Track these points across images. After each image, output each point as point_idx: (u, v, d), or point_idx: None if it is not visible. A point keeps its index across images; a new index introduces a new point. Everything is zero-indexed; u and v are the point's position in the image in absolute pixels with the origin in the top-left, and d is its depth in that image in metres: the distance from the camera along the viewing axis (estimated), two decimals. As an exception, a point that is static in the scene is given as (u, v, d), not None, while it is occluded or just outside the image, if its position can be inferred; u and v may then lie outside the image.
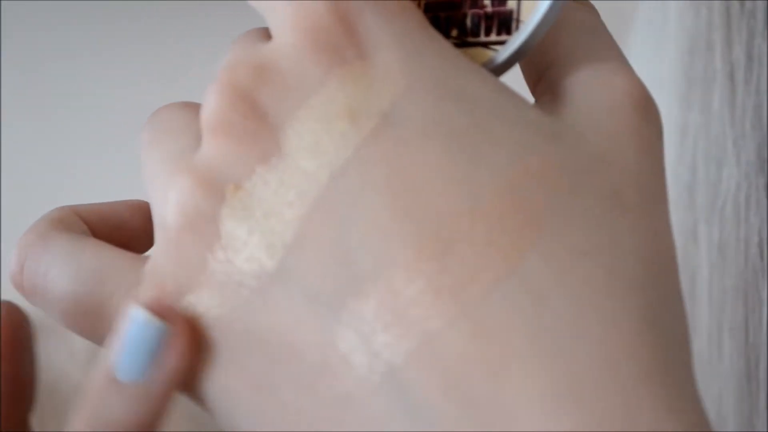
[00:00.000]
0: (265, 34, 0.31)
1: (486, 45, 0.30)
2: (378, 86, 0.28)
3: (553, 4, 0.29)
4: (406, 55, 0.28)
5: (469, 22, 0.30)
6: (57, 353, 1.11)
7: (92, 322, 0.31)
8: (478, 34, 0.30)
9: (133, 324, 0.29)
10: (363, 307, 0.27)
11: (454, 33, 0.30)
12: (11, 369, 0.32)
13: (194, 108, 0.31)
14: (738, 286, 0.40)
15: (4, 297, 0.33)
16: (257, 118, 0.29)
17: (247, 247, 0.28)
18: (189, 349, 0.29)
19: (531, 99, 0.31)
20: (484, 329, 0.26)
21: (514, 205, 0.27)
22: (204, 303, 0.29)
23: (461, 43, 0.30)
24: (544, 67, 0.31)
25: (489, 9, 0.30)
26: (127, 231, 0.34)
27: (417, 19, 0.29)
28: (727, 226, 0.41)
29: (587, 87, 0.29)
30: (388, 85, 0.28)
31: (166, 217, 0.29)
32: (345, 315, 0.27)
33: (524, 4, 0.29)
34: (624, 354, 0.26)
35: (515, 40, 0.29)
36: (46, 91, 1.16)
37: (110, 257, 0.31)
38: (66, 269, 0.31)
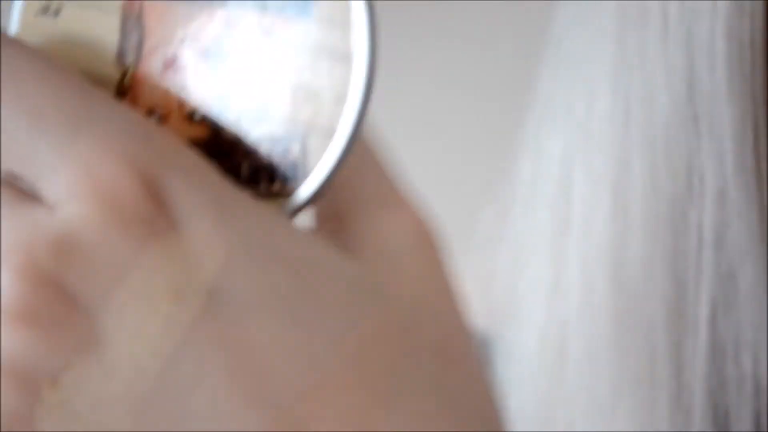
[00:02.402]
0: (28, 198, 0.27)
1: (269, 195, 0.28)
2: (198, 259, 0.26)
3: (349, 145, 0.27)
4: (219, 220, 0.27)
5: (246, 171, 0.28)
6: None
7: None
8: (258, 184, 0.28)
9: None
10: None
11: (236, 181, 0.28)
12: None
13: None
14: (668, 213, 0.41)
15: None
16: (65, 302, 0.26)
17: None
18: None
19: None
20: None
21: (358, 380, 0.27)
22: None
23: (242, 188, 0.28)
24: (331, 209, 0.29)
25: (267, 159, 0.28)
26: None
27: (216, 176, 0.27)
28: (658, 156, 0.41)
29: (380, 230, 0.29)
30: (208, 256, 0.26)
31: None
32: None
33: (311, 152, 0.27)
34: None
35: (308, 189, 0.28)
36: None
37: None
38: None
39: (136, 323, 0.26)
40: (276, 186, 0.28)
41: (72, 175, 0.26)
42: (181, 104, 0.28)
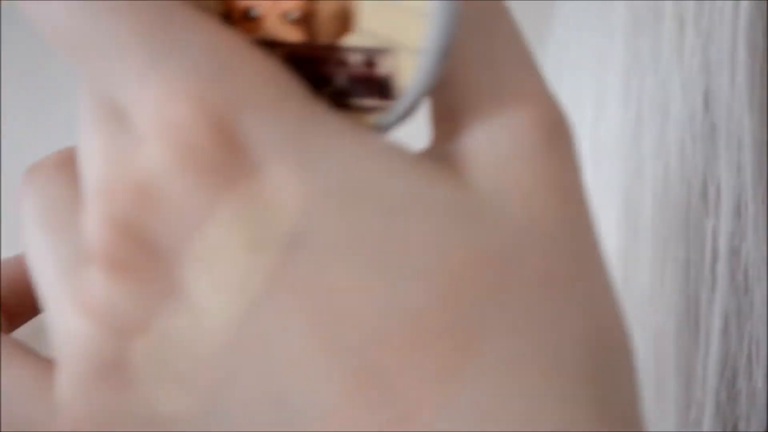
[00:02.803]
0: (123, 126, 0.27)
1: (363, 108, 0.27)
2: (277, 206, 0.25)
3: (438, 61, 0.26)
4: (298, 161, 0.25)
5: (340, 82, 0.27)
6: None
7: None
8: (352, 96, 0.27)
9: None
10: None
11: (328, 92, 0.27)
12: None
13: (71, 173, 0.29)
14: (681, 222, 0.40)
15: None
16: (149, 252, 0.26)
17: (163, 391, 0.26)
18: None
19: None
20: None
21: (444, 323, 0.25)
22: None
23: (337, 103, 0.27)
24: (443, 107, 0.27)
25: (360, 70, 0.27)
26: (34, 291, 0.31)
27: (299, 107, 0.26)
28: (672, 163, 0.40)
29: (493, 133, 0.26)
30: (286, 202, 0.25)
31: (68, 359, 0.27)
32: None
33: (402, 67, 0.26)
34: None
35: (399, 106, 0.26)
36: (46, 91, 1.17)
37: (15, 375, 0.29)
38: None
39: (216, 273, 0.25)
40: (368, 100, 0.27)
41: (149, 114, 0.25)
42: (277, 3, 0.27)
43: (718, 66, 0.39)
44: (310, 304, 0.25)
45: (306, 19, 0.27)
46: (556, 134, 0.27)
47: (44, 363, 0.29)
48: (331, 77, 0.27)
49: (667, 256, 0.40)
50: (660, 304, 0.41)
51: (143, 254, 0.26)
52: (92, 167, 0.26)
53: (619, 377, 0.26)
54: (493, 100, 0.26)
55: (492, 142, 0.26)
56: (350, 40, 0.26)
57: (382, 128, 0.27)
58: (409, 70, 0.26)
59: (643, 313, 0.41)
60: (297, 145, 0.25)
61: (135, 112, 0.26)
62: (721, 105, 0.39)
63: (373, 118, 0.27)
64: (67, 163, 0.29)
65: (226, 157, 0.25)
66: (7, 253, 0.34)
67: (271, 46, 0.27)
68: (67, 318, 0.27)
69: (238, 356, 0.26)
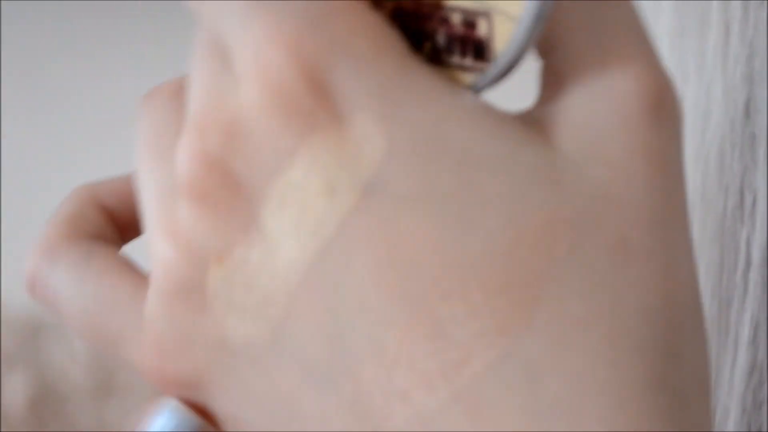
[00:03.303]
0: (226, 65, 0.28)
1: (461, 67, 0.27)
2: (357, 154, 0.26)
3: (532, 29, 0.26)
4: (384, 113, 0.26)
5: (441, 40, 0.27)
6: (57, 353, 1.11)
7: (103, 347, 0.31)
8: (451, 54, 0.27)
9: (165, 421, 0.28)
10: (358, 386, 0.26)
11: (427, 48, 0.28)
12: None
13: (183, 103, 0.30)
14: (717, 229, 0.40)
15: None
16: (231, 187, 0.27)
17: (235, 317, 0.27)
18: None
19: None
20: (478, 413, 0.25)
21: (508, 279, 0.25)
22: (201, 368, 0.28)
23: (434, 59, 0.28)
24: (549, 48, 0.28)
25: (460, 30, 0.27)
26: None
27: (393, 59, 0.26)
28: (710, 170, 0.40)
29: (590, 97, 0.26)
30: (367, 151, 0.26)
31: (156, 279, 0.28)
32: (340, 391, 0.26)
33: (497, 32, 0.27)
34: (624, 428, 0.25)
35: (493, 70, 0.27)
36: (46, 91, 1.16)
37: (113, 287, 0.30)
38: (72, 294, 0.31)
39: (292, 213, 0.26)
40: (464, 60, 0.27)
41: (248, 56, 0.26)
42: None
43: (760, 77, 0.39)
44: (379, 250, 0.26)
45: None
46: (659, 105, 0.26)
47: (142, 280, 0.30)
48: (432, 34, 0.27)
49: (701, 262, 0.40)
50: None
51: (227, 188, 0.27)
52: (194, 101, 0.28)
53: (683, 354, 0.26)
54: (596, 65, 0.26)
55: (589, 108, 0.26)
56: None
57: (475, 89, 0.27)
58: (505, 36, 0.27)
59: None
60: (385, 98, 0.26)
61: (236, 54, 0.27)
62: (762, 115, 0.39)
63: (467, 78, 0.27)
64: (181, 92, 0.30)
65: (314, 103, 0.26)
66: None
67: None
68: (157, 241, 0.28)
69: (306, 293, 0.26)
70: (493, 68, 0.27)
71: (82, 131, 1.14)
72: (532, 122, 0.27)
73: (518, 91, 0.31)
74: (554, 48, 0.27)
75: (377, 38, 0.26)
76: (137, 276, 0.31)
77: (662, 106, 0.26)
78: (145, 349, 0.29)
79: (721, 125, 0.39)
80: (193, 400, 0.29)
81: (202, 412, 0.29)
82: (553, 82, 0.27)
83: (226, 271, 0.27)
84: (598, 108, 0.26)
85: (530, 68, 0.28)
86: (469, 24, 0.27)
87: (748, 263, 0.39)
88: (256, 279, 0.27)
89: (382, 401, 0.26)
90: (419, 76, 0.26)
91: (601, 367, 0.25)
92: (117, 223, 0.33)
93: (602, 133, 0.26)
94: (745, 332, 0.39)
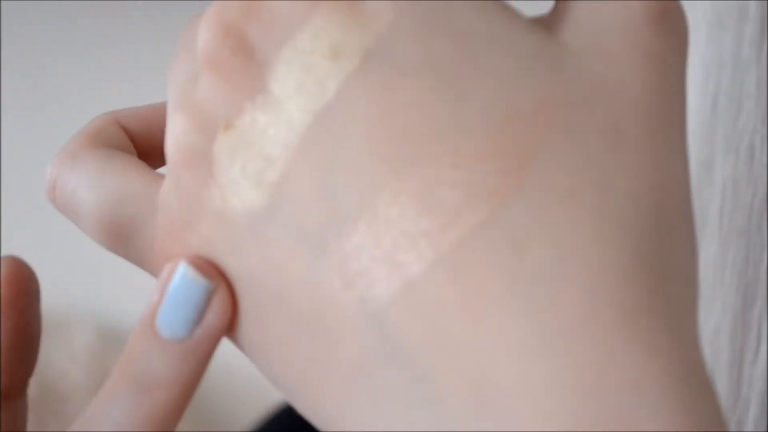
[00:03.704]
0: None
1: None
2: (363, 22, 0.27)
3: None
4: None
5: None
6: (57, 353, 1.11)
7: (116, 241, 0.32)
8: None
9: (179, 280, 0.29)
10: (346, 248, 0.27)
11: None
12: (18, 320, 0.32)
13: None
14: (744, 222, 0.40)
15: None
16: (245, 54, 0.28)
17: (237, 185, 0.28)
18: (231, 308, 0.29)
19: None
20: (461, 277, 0.26)
21: (501, 148, 0.26)
22: (204, 243, 0.29)
23: None
24: None
25: None
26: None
27: None
28: (740, 163, 0.40)
29: (597, 5, 0.28)
30: (375, 20, 0.27)
31: (167, 151, 0.30)
32: (330, 255, 0.27)
33: None
34: (606, 299, 0.25)
35: None
36: (46, 91, 1.16)
37: (130, 180, 0.32)
38: (90, 190, 0.32)
39: (298, 74, 0.27)
40: None
41: None
42: None
43: None
44: (375, 112, 0.27)
45: None
46: (663, 16, 0.27)
47: (159, 177, 0.32)
48: None
49: (728, 254, 0.40)
50: (719, 300, 0.40)
51: (240, 55, 0.28)
52: None
53: (668, 242, 0.26)
54: None
55: (595, 11, 0.28)
56: None
57: None
58: None
59: (704, 308, 0.41)
60: None
61: None
62: None
63: None
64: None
65: None
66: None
67: None
68: (173, 117, 0.29)
69: (305, 154, 0.27)
70: None
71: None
72: (540, 22, 0.28)
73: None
74: None
75: None
76: (154, 175, 0.32)
77: (666, 17, 0.27)
78: (157, 230, 0.30)
79: (750, 118, 0.39)
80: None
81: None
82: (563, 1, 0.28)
83: (232, 137, 0.28)
84: (604, 11, 0.27)
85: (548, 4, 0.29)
86: None
87: None
88: (259, 143, 0.28)
89: (368, 264, 0.26)
90: None
91: (586, 239, 0.25)
92: (138, 147, 0.34)
93: (605, 32, 0.27)
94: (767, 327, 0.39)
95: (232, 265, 0.29)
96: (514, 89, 0.26)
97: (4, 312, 0.32)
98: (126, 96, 1.09)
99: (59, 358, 1.10)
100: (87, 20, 1.15)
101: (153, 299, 0.30)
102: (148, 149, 0.34)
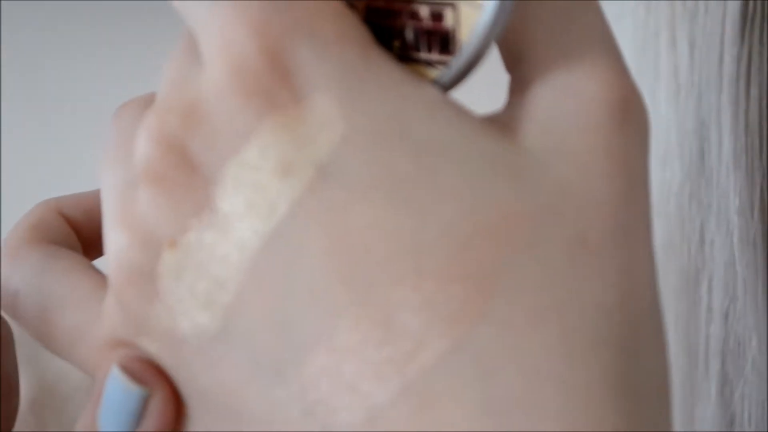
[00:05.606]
0: (195, 53, 0.28)
1: (428, 63, 0.27)
2: (313, 134, 0.25)
3: (495, 17, 0.26)
4: (344, 96, 0.25)
5: (410, 35, 0.27)
6: (57, 353, 1.11)
7: (55, 345, 0.30)
8: (419, 50, 0.27)
9: (111, 386, 0.28)
10: (305, 375, 0.25)
11: (397, 45, 0.27)
12: None
13: None
14: (680, 282, 0.40)
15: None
16: (188, 168, 0.26)
17: (185, 305, 0.27)
18: (171, 413, 0.28)
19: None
20: (428, 407, 0.24)
21: (463, 270, 0.24)
22: (153, 356, 0.28)
23: (403, 56, 0.27)
24: (515, 59, 0.27)
25: (427, 24, 0.27)
26: None
27: (356, 46, 0.26)
28: (671, 223, 0.40)
29: (556, 98, 0.26)
30: (325, 132, 0.25)
31: (110, 270, 0.28)
32: (289, 383, 0.26)
33: (463, 22, 0.26)
34: (583, 427, 0.24)
35: (458, 62, 0.26)
36: (46, 91, 1.16)
37: (74, 284, 0.30)
38: (32, 292, 0.30)
39: (246, 193, 0.26)
40: (432, 55, 0.27)
41: (212, 37, 0.26)
42: None
43: (707, 125, 0.39)
44: (330, 234, 0.25)
45: None
46: (624, 110, 0.26)
47: (103, 280, 0.30)
48: (401, 30, 0.27)
49: (668, 316, 0.40)
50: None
51: (182, 169, 0.26)
52: (159, 92, 0.27)
53: (641, 354, 0.25)
54: (563, 70, 0.26)
55: (554, 108, 0.26)
56: None
57: (442, 83, 0.27)
58: (471, 25, 0.26)
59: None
60: (344, 82, 0.26)
61: (201, 39, 0.26)
62: (711, 166, 0.39)
63: (433, 73, 0.27)
64: (150, 104, 0.29)
65: (274, 82, 0.26)
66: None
67: None
68: (112, 231, 0.28)
69: (257, 278, 0.26)
70: (457, 59, 0.26)
71: (82, 131, 1.14)
72: (496, 121, 0.27)
73: (491, 103, 0.30)
74: (521, 59, 0.27)
75: (342, 24, 0.26)
76: (99, 277, 0.30)
77: (627, 111, 0.26)
78: (100, 342, 0.29)
79: (677, 175, 0.39)
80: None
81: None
82: (519, 89, 0.27)
83: (178, 256, 0.27)
84: (564, 109, 0.26)
85: (503, 80, 0.28)
86: (437, 16, 0.27)
87: (710, 316, 0.39)
88: (207, 264, 0.26)
89: (330, 393, 0.25)
90: (381, 65, 0.26)
91: (556, 363, 0.24)
92: (81, 237, 0.33)
93: (566, 132, 0.26)
94: (714, 387, 0.39)
95: (181, 379, 0.28)
96: (474, 204, 0.25)
97: None
98: (126, 96, 1.09)
99: (59, 358, 1.10)
100: (87, 20, 1.15)
101: (92, 404, 0.29)
102: (92, 239, 0.33)
